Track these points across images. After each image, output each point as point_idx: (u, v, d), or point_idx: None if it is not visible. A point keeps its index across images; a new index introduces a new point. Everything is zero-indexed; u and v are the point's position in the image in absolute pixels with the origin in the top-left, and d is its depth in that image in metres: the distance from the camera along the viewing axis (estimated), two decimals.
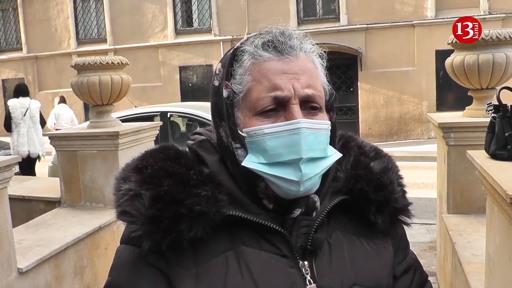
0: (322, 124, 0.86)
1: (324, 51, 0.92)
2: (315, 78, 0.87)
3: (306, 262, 0.86)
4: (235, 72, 0.86)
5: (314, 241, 0.86)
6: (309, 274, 0.85)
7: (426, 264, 4.32)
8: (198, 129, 1.01)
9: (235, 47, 0.89)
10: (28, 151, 7.38)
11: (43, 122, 7.77)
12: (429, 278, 1.07)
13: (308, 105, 0.85)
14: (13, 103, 7.46)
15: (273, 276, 0.83)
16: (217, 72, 0.91)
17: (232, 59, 0.88)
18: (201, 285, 0.82)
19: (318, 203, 0.89)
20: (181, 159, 0.89)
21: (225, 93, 0.87)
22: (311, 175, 0.83)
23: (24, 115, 7.37)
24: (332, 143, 0.90)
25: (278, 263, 0.84)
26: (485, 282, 2.01)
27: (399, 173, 0.99)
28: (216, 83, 0.90)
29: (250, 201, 0.86)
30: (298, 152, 0.81)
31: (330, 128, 0.88)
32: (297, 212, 0.87)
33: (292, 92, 0.83)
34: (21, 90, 7.55)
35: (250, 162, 0.83)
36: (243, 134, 0.84)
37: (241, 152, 0.86)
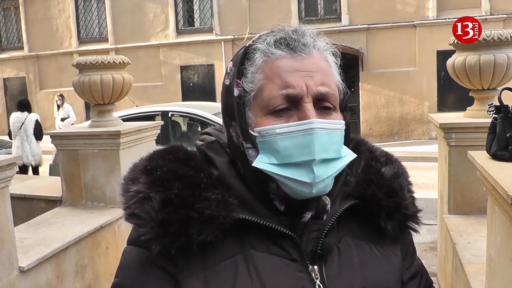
0: (336, 124, 0.83)
1: (338, 50, 0.89)
2: (329, 76, 0.84)
3: (315, 267, 0.85)
4: (246, 71, 0.84)
5: (324, 246, 0.85)
6: (319, 278, 0.84)
7: (427, 264, 4.30)
8: (207, 129, 0.98)
9: (246, 45, 0.87)
10: (22, 162, 7.87)
11: (39, 134, 8.06)
12: None
13: (322, 104, 0.83)
14: (12, 117, 8.24)
15: (283, 280, 0.82)
16: (228, 71, 0.89)
17: (243, 58, 0.85)
18: None
19: (328, 206, 0.87)
20: (191, 161, 0.87)
21: (236, 91, 0.85)
22: (324, 177, 0.81)
23: (20, 128, 7.95)
24: (346, 143, 0.87)
25: (288, 267, 0.83)
26: (485, 283, 2.01)
27: (409, 179, 0.98)
28: (227, 82, 0.88)
29: (260, 203, 0.85)
30: (311, 154, 0.79)
31: (344, 128, 0.86)
32: (308, 215, 0.85)
33: (305, 90, 0.80)
34: (20, 105, 8.18)
35: (261, 162, 0.81)
36: (255, 134, 0.82)
37: (252, 152, 0.84)
